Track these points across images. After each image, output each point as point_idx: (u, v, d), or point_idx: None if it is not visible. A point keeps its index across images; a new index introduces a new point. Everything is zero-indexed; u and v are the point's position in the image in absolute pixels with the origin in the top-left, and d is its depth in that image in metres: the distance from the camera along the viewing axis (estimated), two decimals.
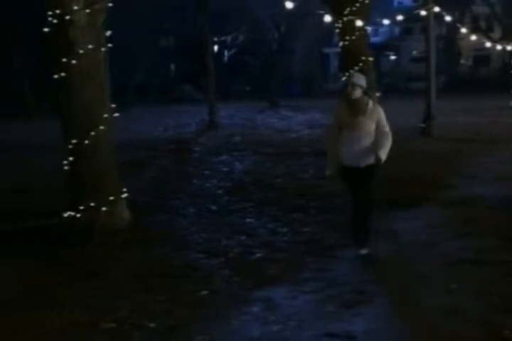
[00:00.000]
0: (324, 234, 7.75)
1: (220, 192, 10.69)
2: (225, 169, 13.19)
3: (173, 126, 23.72)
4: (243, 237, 7.76)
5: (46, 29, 8.12)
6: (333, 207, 9.11)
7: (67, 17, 7.83)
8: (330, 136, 7.11)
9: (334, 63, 49.96)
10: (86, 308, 5.56)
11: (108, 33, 8.17)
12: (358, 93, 6.79)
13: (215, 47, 39.63)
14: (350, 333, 4.98)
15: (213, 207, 9.44)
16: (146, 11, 36.35)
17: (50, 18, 7.96)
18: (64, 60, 7.84)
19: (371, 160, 6.74)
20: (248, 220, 8.64)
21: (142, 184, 11.38)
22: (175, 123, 24.75)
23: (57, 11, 7.85)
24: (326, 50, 50.06)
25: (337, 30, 14.51)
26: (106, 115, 8.02)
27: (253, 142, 17.73)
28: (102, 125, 7.92)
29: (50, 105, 25.80)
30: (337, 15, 13.82)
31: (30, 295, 6.00)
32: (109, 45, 8.17)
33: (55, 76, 7.93)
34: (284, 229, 8.03)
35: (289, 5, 14.49)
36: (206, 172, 12.89)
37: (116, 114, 8.26)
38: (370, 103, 6.84)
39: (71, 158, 7.97)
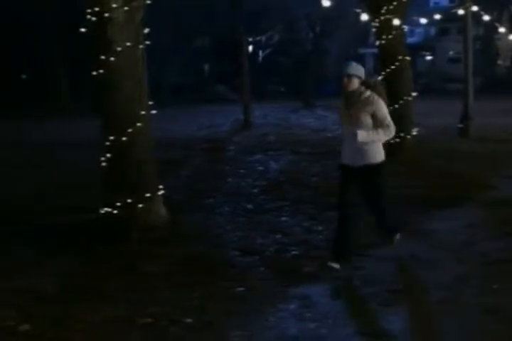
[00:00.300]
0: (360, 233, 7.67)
1: (255, 190, 10.67)
2: (260, 168, 13.17)
3: (208, 126, 23.77)
4: (278, 235, 7.74)
5: (83, 29, 8.19)
6: None
7: (106, 15, 7.86)
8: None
9: (369, 63, 49.73)
10: (123, 303, 5.59)
11: (146, 30, 8.19)
12: (354, 84, 6.30)
13: (250, 47, 39.68)
14: (387, 332, 4.93)
15: (249, 206, 9.43)
16: (181, 10, 36.57)
17: (88, 16, 8.01)
18: (102, 57, 7.89)
19: (371, 160, 6.30)
20: (283, 219, 8.62)
21: (177, 182, 11.41)
22: (209, 123, 24.80)
23: (96, 9, 7.89)
24: (362, 51, 49.82)
25: (374, 29, 14.43)
26: (143, 112, 8.04)
27: (288, 141, 17.68)
28: (139, 122, 7.95)
29: (86, 105, 26.18)
30: (374, 13, 13.74)
31: (70, 289, 6.06)
32: (147, 42, 8.20)
33: (94, 73, 7.98)
34: (320, 228, 7.99)
35: (326, 3, 14.43)
36: (241, 171, 12.88)
37: (154, 111, 8.28)
38: (367, 93, 6.28)
39: (108, 155, 8.02)
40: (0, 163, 14.43)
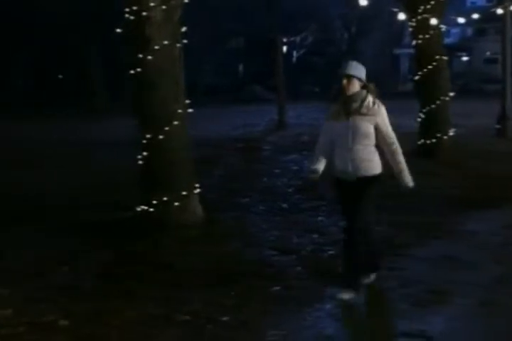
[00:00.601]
0: (396, 233, 7.61)
1: (290, 190, 10.64)
2: (295, 168, 13.13)
3: (242, 125, 23.78)
4: (315, 235, 7.70)
5: (119, 29, 8.25)
6: (406, 206, 8.95)
7: (144, 13, 7.91)
8: (318, 144, 5.93)
9: (404, 64, 49.40)
10: (159, 300, 5.60)
11: (183, 29, 8.22)
12: (354, 87, 5.58)
13: (284, 48, 39.65)
14: (426, 333, 4.88)
15: (284, 205, 9.40)
16: (217, 10, 36.69)
17: (126, 15, 8.07)
18: (140, 56, 7.93)
19: (367, 172, 5.58)
20: (319, 218, 8.58)
21: (212, 181, 11.42)
22: (244, 123, 24.83)
23: (134, 8, 7.94)
24: (397, 51, 49.54)
25: (410, 29, 14.31)
26: (180, 110, 8.07)
27: None
28: (176, 120, 7.98)
29: (123, 104, 26.31)
30: (411, 13, 13.63)
31: (107, 285, 6.11)
32: (184, 41, 8.22)
33: (131, 72, 8.03)
34: None
35: (363, 2, 14.35)
36: (276, 170, 12.86)
37: (190, 110, 8.30)
38: (369, 99, 5.57)
39: (145, 153, 8.06)
40: (39, 162, 14.61)
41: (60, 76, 42.10)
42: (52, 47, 37.35)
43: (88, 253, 7.15)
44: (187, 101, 8.29)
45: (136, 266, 6.62)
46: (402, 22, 24.02)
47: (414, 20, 13.51)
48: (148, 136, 7.96)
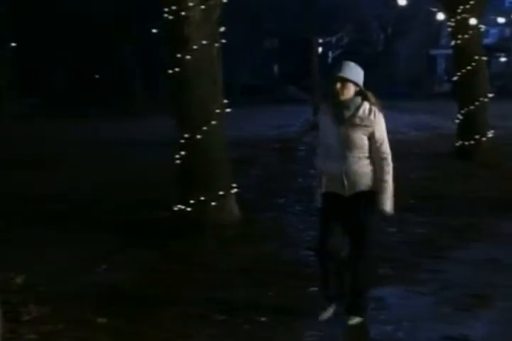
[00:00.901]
0: (436, 235, 7.53)
1: None
2: None
3: (278, 126, 23.75)
4: None
5: (155, 30, 8.28)
6: (446, 208, 8.86)
7: (183, 13, 7.92)
8: (317, 156, 5.19)
9: (441, 65, 48.93)
10: (198, 299, 5.60)
11: (222, 28, 8.22)
12: (349, 92, 4.85)
13: (320, 48, 39.51)
14: (468, 337, 4.80)
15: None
16: (253, 10, 36.72)
17: (165, 15, 8.09)
18: (178, 55, 7.95)
19: (363, 187, 4.87)
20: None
21: (248, 181, 11.40)
22: (279, 123, 24.78)
23: (173, 8, 7.96)
24: (433, 52, 49.08)
25: (449, 29, 14.15)
26: (218, 110, 8.07)
27: None
28: (214, 120, 7.98)
29: (159, 103, 26.45)
30: (450, 13, 13.47)
31: (145, 285, 6.11)
32: (223, 40, 8.22)
33: (169, 72, 8.05)
34: (393, 229, 7.84)
35: (402, 2, 14.23)
36: (312, 171, 12.77)
37: (228, 110, 8.30)
38: (365, 106, 4.86)
39: (183, 153, 8.07)
40: (78, 161, 14.75)
41: (97, 76, 42.45)
42: (91, 47, 37.67)
43: (126, 251, 7.19)
44: (225, 101, 8.29)
45: (174, 266, 6.64)
46: (440, 22, 23.78)
47: (453, 20, 13.34)
48: (186, 135, 7.97)
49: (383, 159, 4.90)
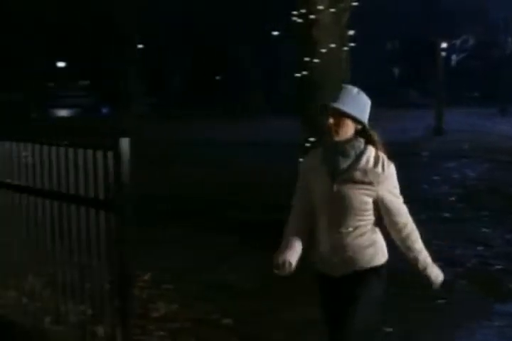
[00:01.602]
0: None
1: (452, 199, 10.28)
2: (456, 175, 12.70)
3: (399, 130, 23.34)
4: (479, 247, 7.40)
5: (276, 32, 8.29)
6: None
7: (312, 16, 7.90)
8: (292, 212, 3.67)
9: None
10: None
11: (351, 32, 8.14)
12: (346, 130, 3.39)
13: (443, 52, 38.59)
14: None
15: (446, 215, 9.09)
16: (374, 12, 36.28)
17: (294, 18, 8.10)
18: (307, 59, 7.93)
19: (369, 263, 3.46)
20: (483, 230, 8.23)
21: None
22: (400, 127, 24.36)
23: (303, 11, 7.96)
24: None
25: None
26: None
27: (483, 149, 16.96)
28: None
29: (276, 105, 26.56)
30: None
31: (266, 286, 6.11)
32: (352, 44, 8.14)
33: (297, 74, 8.05)
34: None
35: None
36: (435, 177, 12.49)
37: None
38: (370, 153, 3.41)
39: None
40: (198, 162, 15.03)
41: (218, 77, 43.22)
42: (208, 48, 38.37)
43: (247, 253, 7.24)
44: None
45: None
46: None
47: None
48: (311, 139, 7.93)
49: (401, 228, 3.52)
